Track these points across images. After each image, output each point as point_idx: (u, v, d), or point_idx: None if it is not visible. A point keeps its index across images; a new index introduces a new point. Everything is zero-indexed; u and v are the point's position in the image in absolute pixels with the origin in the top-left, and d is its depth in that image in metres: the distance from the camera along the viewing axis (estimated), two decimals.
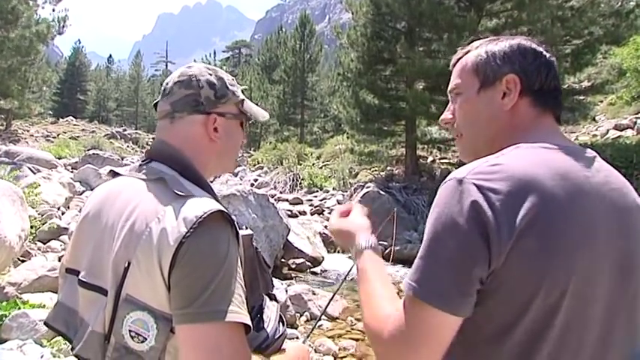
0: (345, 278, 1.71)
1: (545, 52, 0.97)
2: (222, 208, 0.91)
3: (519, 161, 0.83)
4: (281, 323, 1.14)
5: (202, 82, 1.07)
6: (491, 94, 0.96)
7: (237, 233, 0.94)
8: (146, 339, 0.87)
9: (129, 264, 0.88)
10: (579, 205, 0.81)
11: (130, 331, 0.87)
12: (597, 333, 0.82)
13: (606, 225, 0.83)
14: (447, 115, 1.04)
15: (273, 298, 1.20)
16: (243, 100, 1.14)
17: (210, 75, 1.10)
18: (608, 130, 14.14)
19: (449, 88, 1.04)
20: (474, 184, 0.79)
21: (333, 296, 1.65)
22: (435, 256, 0.80)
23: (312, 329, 1.59)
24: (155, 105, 1.11)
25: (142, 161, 1.06)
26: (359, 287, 0.97)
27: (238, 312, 0.85)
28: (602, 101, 16.39)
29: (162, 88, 1.10)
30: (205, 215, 0.87)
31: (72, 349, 0.97)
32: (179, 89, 1.07)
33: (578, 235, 0.80)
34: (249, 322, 0.87)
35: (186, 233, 0.85)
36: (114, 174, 1.10)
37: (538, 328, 0.79)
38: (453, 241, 0.78)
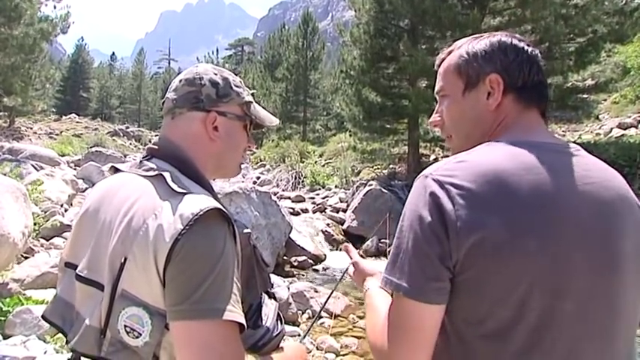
0: (343, 275, 1.71)
1: (526, 47, 0.96)
2: (220, 206, 0.91)
3: (485, 157, 0.85)
4: (279, 321, 1.14)
5: (205, 80, 1.08)
6: (475, 94, 0.97)
7: (235, 231, 0.94)
8: (141, 334, 0.87)
9: (125, 259, 0.88)
10: (545, 199, 0.81)
11: (125, 326, 0.88)
12: (572, 328, 0.81)
13: (578, 218, 0.82)
14: (435, 117, 1.07)
15: (272, 296, 1.19)
16: (249, 102, 1.14)
17: (215, 75, 1.10)
18: (611, 129, 14.08)
19: (435, 91, 1.06)
20: (437, 180, 0.83)
21: (332, 293, 1.65)
22: (402, 248, 0.84)
23: (311, 326, 1.59)
24: (164, 103, 1.12)
25: (143, 157, 1.06)
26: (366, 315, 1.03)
27: (232, 310, 0.85)
28: (605, 100, 16.31)
29: (170, 86, 1.12)
30: (202, 212, 0.87)
31: (67, 342, 0.97)
32: (182, 86, 1.08)
33: (543, 228, 0.79)
34: (243, 321, 0.87)
35: (182, 230, 0.85)
36: (114, 170, 1.10)
37: (507, 323, 0.79)
38: (416, 233, 0.82)
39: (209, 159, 1.09)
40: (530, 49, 0.96)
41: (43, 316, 1.07)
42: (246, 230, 1.11)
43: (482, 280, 0.79)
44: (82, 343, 0.92)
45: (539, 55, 0.97)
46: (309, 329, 1.51)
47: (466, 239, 0.78)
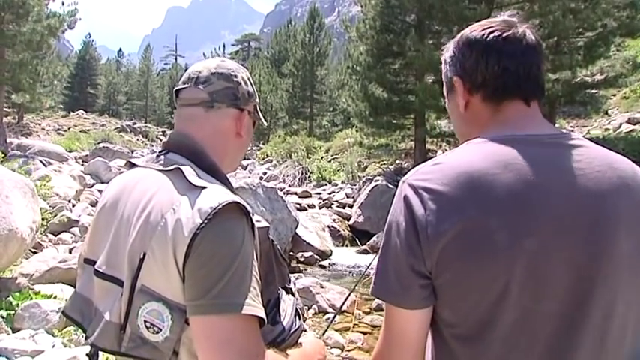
0: (364, 273, 1.71)
1: (486, 35, 0.89)
2: (238, 200, 0.91)
3: (460, 158, 0.84)
4: (297, 317, 1.13)
5: (239, 79, 1.10)
6: (453, 98, 0.99)
7: (253, 225, 0.93)
8: (161, 329, 0.87)
9: (144, 255, 0.88)
10: (521, 197, 0.77)
11: (145, 321, 0.88)
12: (555, 329, 0.78)
13: (559, 215, 0.77)
14: None
15: (289, 291, 1.19)
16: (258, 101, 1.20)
17: (243, 73, 1.13)
18: (620, 124, 13.92)
19: None
20: (411, 185, 0.83)
21: (351, 292, 1.64)
22: (382, 254, 0.86)
23: (327, 327, 1.60)
24: (176, 91, 1.10)
25: (159, 152, 1.06)
26: None
27: (252, 304, 0.85)
28: (615, 95, 16.14)
29: (193, 75, 1.09)
30: (220, 207, 0.87)
31: (86, 337, 0.97)
32: (218, 80, 1.07)
33: (517, 228, 0.76)
34: (263, 315, 0.87)
35: (201, 224, 0.85)
36: (131, 165, 1.10)
37: (483, 325, 0.79)
38: (393, 240, 0.83)
39: (229, 154, 1.11)
40: (491, 35, 0.89)
41: (63, 312, 1.08)
42: (264, 224, 1.11)
43: (457, 284, 0.79)
44: (102, 339, 0.93)
45: (511, 36, 0.88)
46: (325, 330, 1.52)
47: (436, 244, 0.78)
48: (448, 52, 0.99)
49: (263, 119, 1.23)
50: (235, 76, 1.10)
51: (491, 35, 0.89)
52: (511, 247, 0.76)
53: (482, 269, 0.77)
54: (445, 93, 1.03)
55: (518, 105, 0.90)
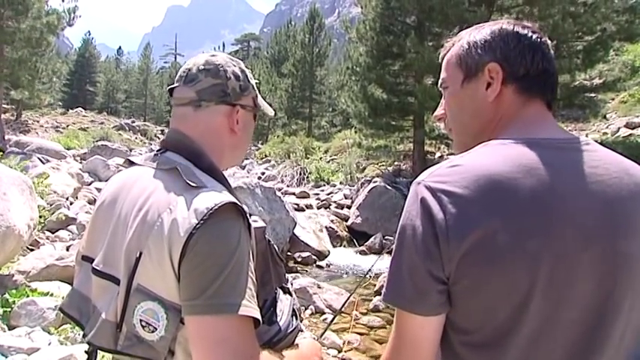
0: (366, 275, 1.72)
1: (530, 34, 0.90)
2: (235, 200, 0.91)
3: (480, 160, 0.81)
4: (294, 317, 1.13)
5: (229, 73, 1.07)
6: (474, 85, 0.92)
7: (250, 225, 0.93)
8: (156, 329, 0.87)
9: (140, 254, 0.88)
10: (543, 202, 0.76)
11: (140, 320, 0.88)
12: (576, 335, 0.78)
13: (579, 221, 0.77)
14: (439, 110, 1.02)
15: (287, 291, 1.19)
16: (257, 93, 1.16)
17: (235, 66, 1.10)
18: (619, 128, 13.95)
19: (438, 83, 1.02)
20: (429, 187, 0.80)
21: (350, 296, 1.65)
22: (396, 259, 0.83)
23: (326, 329, 1.60)
24: (170, 90, 1.09)
25: (157, 151, 1.06)
26: None
27: (248, 305, 0.85)
28: (613, 99, 16.17)
29: (183, 74, 1.08)
30: (216, 207, 0.87)
31: (84, 335, 0.98)
32: (205, 77, 1.05)
33: (540, 234, 0.75)
34: (258, 316, 0.87)
35: (197, 225, 0.85)
36: (130, 163, 1.10)
37: (502, 333, 0.77)
38: (409, 243, 0.80)
39: (226, 151, 1.09)
40: (534, 35, 0.90)
41: (61, 309, 1.07)
42: (261, 224, 1.11)
43: (476, 290, 0.77)
44: (98, 337, 0.93)
45: (547, 42, 0.91)
46: (323, 332, 1.52)
47: (457, 250, 0.75)
48: (475, 36, 0.93)
49: (270, 108, 1.21)
50: (225, 71, 1.07)
51: (535, 35, 0.91)
52: (533, 253, 0.75)
53: (503, 275, 0.75)
54: (458, 79, 0.95)
55: (541, 106, 0.91)
